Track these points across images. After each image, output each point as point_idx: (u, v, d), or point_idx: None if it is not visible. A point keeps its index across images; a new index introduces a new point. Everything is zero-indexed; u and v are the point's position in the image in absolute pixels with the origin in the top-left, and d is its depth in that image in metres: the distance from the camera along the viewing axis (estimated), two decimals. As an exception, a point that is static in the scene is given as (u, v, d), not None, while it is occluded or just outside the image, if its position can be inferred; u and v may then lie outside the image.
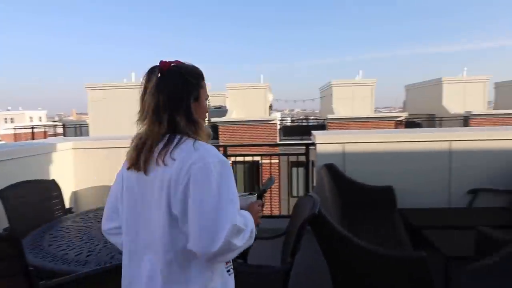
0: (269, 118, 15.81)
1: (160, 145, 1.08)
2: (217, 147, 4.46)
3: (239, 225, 1.02)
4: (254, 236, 1.10)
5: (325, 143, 3.90)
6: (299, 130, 16.82)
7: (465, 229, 2.85)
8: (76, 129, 19.96)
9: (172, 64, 1.14)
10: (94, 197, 4.12)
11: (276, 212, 5.26)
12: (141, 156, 1.09)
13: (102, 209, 2.20)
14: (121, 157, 1.24)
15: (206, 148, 1.09)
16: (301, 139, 15.93)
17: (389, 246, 2.42)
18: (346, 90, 18.59)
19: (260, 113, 17.58)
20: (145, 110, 1.11)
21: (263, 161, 11.03)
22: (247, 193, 1.36)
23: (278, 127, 16.03)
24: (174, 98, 1.10)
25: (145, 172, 1.08)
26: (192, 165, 1.02)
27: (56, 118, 45.09)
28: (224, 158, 1.08)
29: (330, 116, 15.34)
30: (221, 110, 21.96)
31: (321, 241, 2.11)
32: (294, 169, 12.88)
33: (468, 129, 4.49)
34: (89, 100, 16.30)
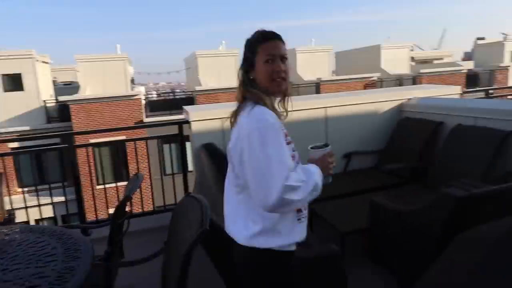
0: (132, 93, 14.27)
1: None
2: (61, 135, 3.46)
3: (291, 184, 1.11)
4: (318, 188, 1.20)
5: (201, 119, 3.41)
6: (167, 104, 15.80)
7: (350, 196, 2.81)
8: None
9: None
10: None
11: (149, 206, 4.55)
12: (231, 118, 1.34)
13: None
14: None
15: (256, 114, 1.19)
16: (170, 114, 15.04)
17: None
18: (211, 60, 18.22)
19: (120, 88, 15.71)
20: None
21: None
22: (321, 143, 1.33)
23: (143, 102, 14.68)
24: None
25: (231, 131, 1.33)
26: (241, 131, 1.21)
27: None
28: (272, 121, 1.17)
29: (198, 88, 14.81)
30: (71, 87, 18.88)
31: (214, 255, 1.66)
32: (166, 146, 12.06)
33: (341, 94, 4.65)
34: None
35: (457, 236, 1.28)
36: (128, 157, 12.36)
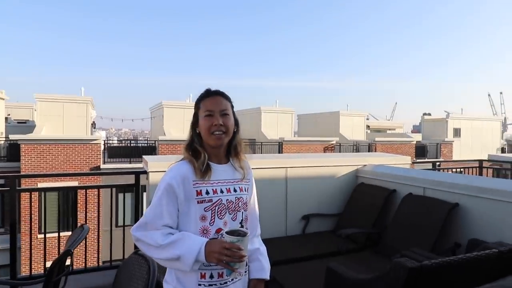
0: (91, 137, 13.79)
1: None
2: (4, 177, 3.21)
3: (135, 234, 1.30)
4: (182, 260, 1.22)
5: (160, 171, 3.32)
6: (128, 151, 15.37)
7: (307, 261, 2.78)
8: None
9: None
10: None
11: (93, 261, 4.19)
12: None
13: None
14: None
15: (169, 168, 1.35)
16: (130, 162, 14.58)
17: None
18: (177, 111, 18.36)
19: (80, 132, 15.17)
20: None
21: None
22: (240, 231, 1.23)
23: (102, 148, 14.19)
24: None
25: None
26: None
27: None
28: (167, 180, 1.29)
29: (161, 137, 14.66)
30: (26, 125, 17.98)
31: None
32: (121, 195, 11.48)
33: (301, 156, 4.78)
34: None
35: None
36: (78, 205, 11.59)
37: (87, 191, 3.55)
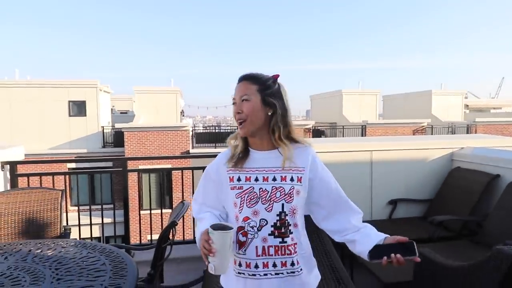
0: (181, 124, 15.00)
1: None
2: (116, 159, 3.72)
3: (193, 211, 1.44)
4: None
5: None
6: (212, 137, 16.36)
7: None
8: None
9: None
10: None
11: (190, 236, 4.65)
12: None
13: None
14: None
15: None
16: (215, 146, 15.51)
17: (328, 283, 2.09)
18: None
19: (171, 119, 16.61)
20: None
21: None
22: (225, 225, 1.19)
23: (191, 133, 15.33)
24: None
25: None
26: None
27: None
28: (208, 168, 1.39)
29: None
30: (127, 115, 20.24)
31: None
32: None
33: (387, 139, 4.56)
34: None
35: None
36: (173, 185, 12.78)
37: (183, 172, 3.89)
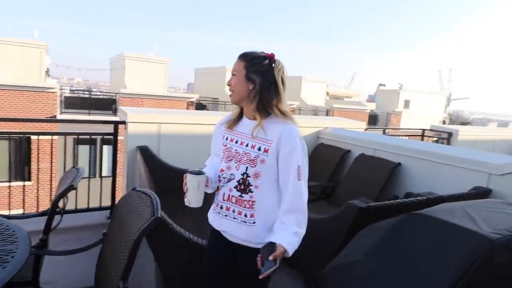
0: (46, 85, 13.09)
1: None
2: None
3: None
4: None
5: (140, 122, 3.52)
6: (85, 103, 14.80)
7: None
8: None
9: None
10: None
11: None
12: None
13: None
14: None
15: None
16: (88, 113, 14.11)
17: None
18: (140, 64, 17.71)
19: (33, 79, 14.26)
20: None
21: (40, 136, 9.00)
22: (198, 170, 1.53)
23: (59, 97, 13.56)
24: None
25: None
26: None
27: None
28: (215, 127, 1.71)
29: (123, 90, 14.25)
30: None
31: (159, 249, 1.84)
32: (82, 147, 11.24)
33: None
34: None
35: (366, 227, 1.72)
36: (34, 155, 11.23)
37: (52, 139, 3.63)
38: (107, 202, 3.69)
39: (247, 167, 1.48)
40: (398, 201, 2.37)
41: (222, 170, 1.57)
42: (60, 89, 14.53)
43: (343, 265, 1.56)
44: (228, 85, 1.54)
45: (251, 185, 1.48)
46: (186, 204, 1.52)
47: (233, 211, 1.52)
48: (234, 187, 1.51)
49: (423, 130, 7.03)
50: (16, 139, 10.06)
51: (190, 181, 1.49)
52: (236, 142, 1.54)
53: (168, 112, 4.33)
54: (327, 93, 28.42)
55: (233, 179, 1.52)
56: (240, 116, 1.59)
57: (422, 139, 6.88)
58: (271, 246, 1.33)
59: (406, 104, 26.02)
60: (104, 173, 3.90)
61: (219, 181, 1.58)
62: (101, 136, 3.71)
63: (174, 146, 3.61)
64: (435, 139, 6.96)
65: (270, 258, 1.28)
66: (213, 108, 19.15)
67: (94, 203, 3.70)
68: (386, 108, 24.76)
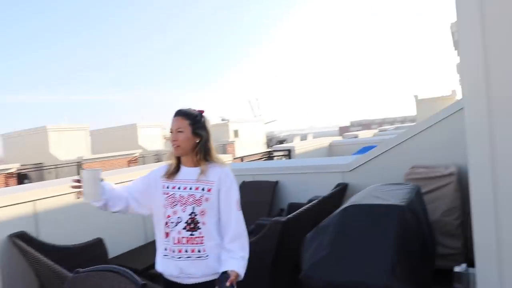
0: None
1: None
2: None
3: None
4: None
5: (6, 205, 2.94)
6: None
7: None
8: None
9: None
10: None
11: None
12: None
13: None
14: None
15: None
16: None
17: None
18: None
19: None
20: None
21: None
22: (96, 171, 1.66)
23: None
24: None
25: None
26: None
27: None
28: (152, 171, 1.88)
29: None
30: None
31: None
32: None
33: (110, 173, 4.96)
34: None
35: (313, 229, 2.08)
36: None
37: None
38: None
39: (193, 207, 1.67)
40: (302, 210, 2.89)
41: (168, 216, 1.68)
42: None
43: (315, 262, 1.89)
44: (174, 140, 1.72)
45: (199, 222, 1.66)
46: (84, 200, 1.61)
47: (186, 251, 1.65)
48: (183, 228, 1.65)
49: (270, 151, 8.24)
50: None
51: (86, 174, 1.61)
52: (179, 188, 1.71)
53: (45, 185, 3.69)
54: (164, 136, 28.57)
55: (180, 221, 1.66)
56: (177, 166, 1.77)
57: (272, 159, 8.04)
58: (226, 274, 1.58)
59: (236, 133, 28.88)
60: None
61: (167, 226, 1.67)
62: None
63: (56, 222, 3.16)
64: (281, 155, 8.24)
65: (228, 284, 1.53)
66: (38, 176, 16.38)
67: None
68: (221, 139, 26.89)
